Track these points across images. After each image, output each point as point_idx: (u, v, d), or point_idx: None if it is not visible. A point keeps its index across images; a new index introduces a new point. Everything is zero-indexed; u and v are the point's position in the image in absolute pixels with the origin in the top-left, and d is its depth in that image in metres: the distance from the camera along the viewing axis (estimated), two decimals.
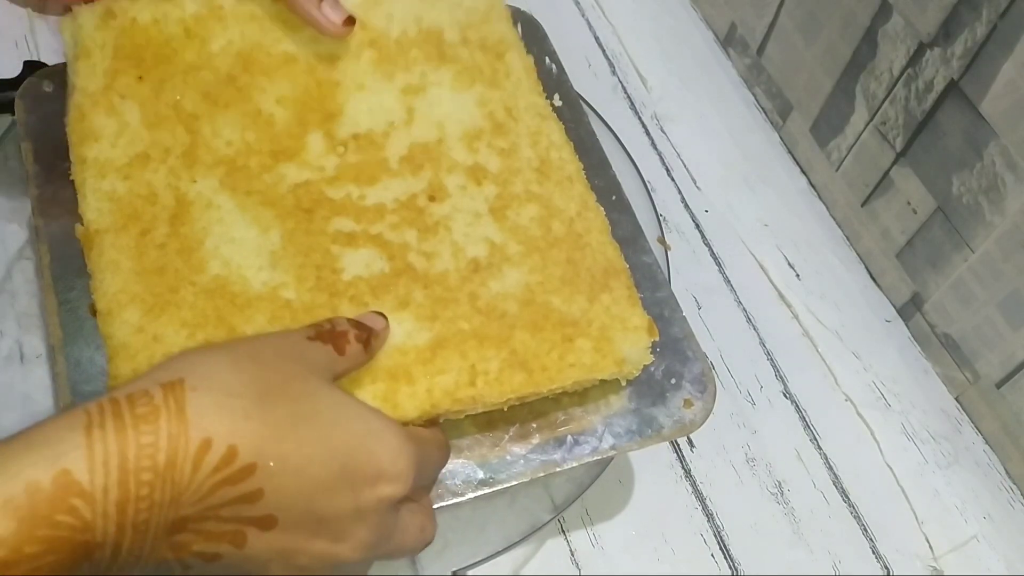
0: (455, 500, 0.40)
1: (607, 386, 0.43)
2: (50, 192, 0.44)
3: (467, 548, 0.47)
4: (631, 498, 0.53)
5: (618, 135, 0.57)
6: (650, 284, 0.46)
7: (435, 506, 0.39)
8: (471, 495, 0.41)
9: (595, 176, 0.48)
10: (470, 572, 0.47)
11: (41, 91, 0.48)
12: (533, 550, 0.51)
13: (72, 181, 0.43)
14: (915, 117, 0.56)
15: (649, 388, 0.44)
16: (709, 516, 0.54)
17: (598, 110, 0.58)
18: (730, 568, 0.52)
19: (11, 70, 0.60)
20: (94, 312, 0.40)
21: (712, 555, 0.52)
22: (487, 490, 0.41)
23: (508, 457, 0.42)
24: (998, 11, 0.48)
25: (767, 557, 0.53)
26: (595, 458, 0.42)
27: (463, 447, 0.42)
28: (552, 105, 0.49)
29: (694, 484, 0.54)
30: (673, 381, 0.44)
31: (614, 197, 0.49)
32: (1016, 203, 0.51)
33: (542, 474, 0.41)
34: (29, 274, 0.52)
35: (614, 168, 0.50)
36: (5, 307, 0.51)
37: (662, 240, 0.52)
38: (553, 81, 0.52)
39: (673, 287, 0.47)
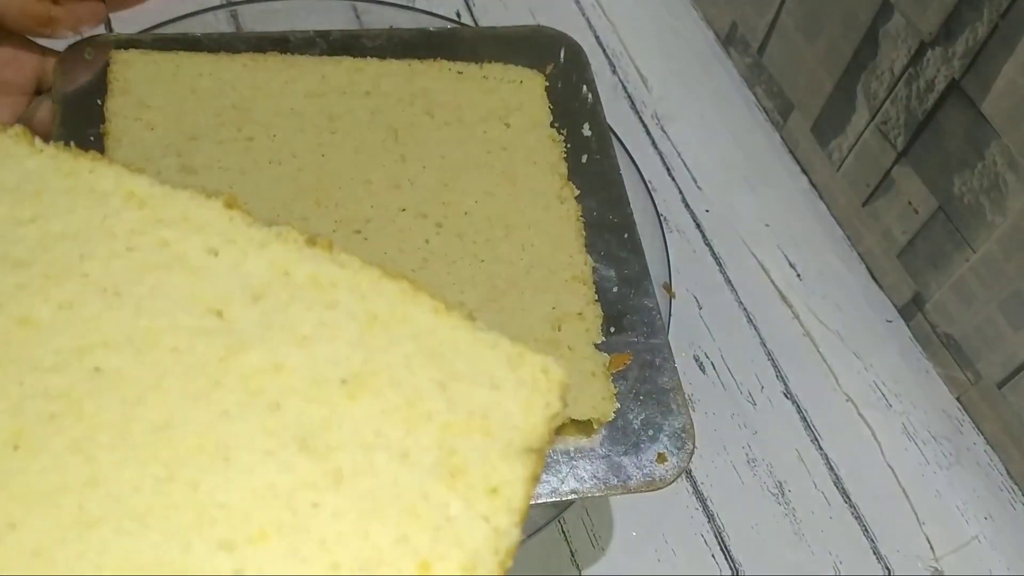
0: None
1: (580, 426, 0.42)
2: None
3: None
4: (631, 499, 0.53)
5: (619, 135, 0.57)
6: (646, 329, 0.45)
7: None
8: None
9: (611, 212, 0.48)
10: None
11: (82, 58, 0.48)
12: (533, 550, 0.51)
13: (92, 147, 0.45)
14: (916, 117, 0.56)
15: (624, 436, 0.42)
16: (710, 517, 0.53)
17: None
18: (731, 569, 0.52)
19: None
20: None
21: (713, 555, 0.52)
22: None
23: None
24: (999, 11, 0.48)
25: (768, 558, 0.53)
26: (552, 499, 0.40)
27: None
28: (581, 135, 0.49)
29: (695, 484, 0.54)
30: (651, 432, 0.42)
31: (626, 235, 0.48)
32: (1017, 203, 0.50)
33: None
34: None
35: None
36: None
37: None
38: (587, 111, 0.51)
39: (674, 287, 0.47)
